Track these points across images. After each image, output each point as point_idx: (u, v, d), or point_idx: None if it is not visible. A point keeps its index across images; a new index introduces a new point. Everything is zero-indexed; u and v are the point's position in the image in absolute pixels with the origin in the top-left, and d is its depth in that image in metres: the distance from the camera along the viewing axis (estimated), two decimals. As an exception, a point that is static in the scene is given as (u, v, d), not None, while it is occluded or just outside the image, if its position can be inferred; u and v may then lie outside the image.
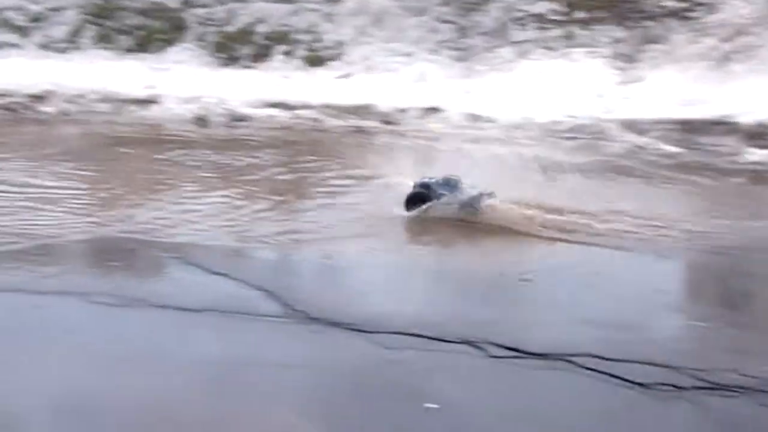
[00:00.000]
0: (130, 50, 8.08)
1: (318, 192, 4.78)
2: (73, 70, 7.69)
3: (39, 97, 7.15)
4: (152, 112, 6.95)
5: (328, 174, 5.04)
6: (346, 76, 7.57)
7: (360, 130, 6.48)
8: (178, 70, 7.73)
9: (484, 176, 4.31)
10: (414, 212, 4.19)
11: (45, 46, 8.22)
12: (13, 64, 7.81)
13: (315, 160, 5.46)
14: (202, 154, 5.63)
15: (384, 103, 6.84)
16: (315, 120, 6.73)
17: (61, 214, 4.26)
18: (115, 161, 5.45)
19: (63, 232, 4.00)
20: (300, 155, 5.64)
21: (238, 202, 4.50)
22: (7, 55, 8.04)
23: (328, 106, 6.88)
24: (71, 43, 8.23)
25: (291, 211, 4.47)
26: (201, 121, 6.75)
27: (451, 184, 4.24)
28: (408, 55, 7.58)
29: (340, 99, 6.97)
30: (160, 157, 5.53)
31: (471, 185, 4.23)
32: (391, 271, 3.69)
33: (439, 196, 4.20)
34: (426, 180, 4.25)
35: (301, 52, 7.87)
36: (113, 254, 3.79)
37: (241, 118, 6.79)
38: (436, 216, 4.18)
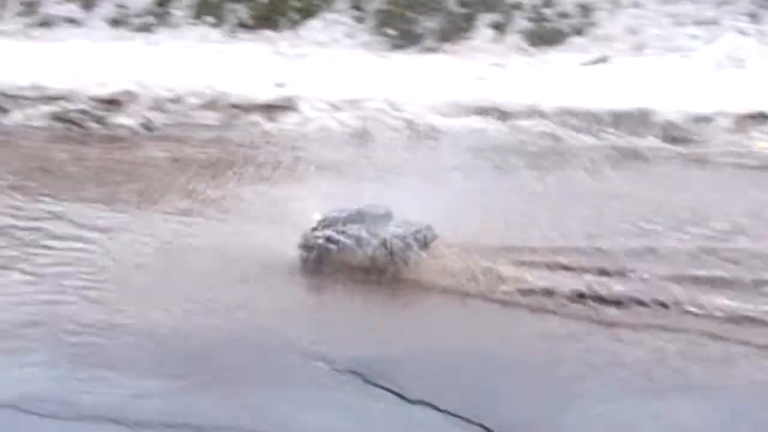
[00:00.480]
0: (247, 27, 8.47)
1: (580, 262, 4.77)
2: (162, 59, 8.14)
3: (111, 102, 7.60)
4: (285, 124, 7.23)
5: (570, 240, 4.99)
6: (600, 61, 7.54)
7: (628, 154, 6.41)
8: (322, 56, 8.01)
9: None
10: (308, 257, 4.76)
11: (119, 22, 8.77)
12: (72, 51, 8.36)
13: (552, 207, 5.42)
14: (370, 200, 5.74)
15: (667, 106, 6.80)
16: (549, 136, 6.75)
17: (157, 296, 4.50)
18: (234, 209, 5.64)
19: (164, 325, 4.22)
20: (528, 197, 5.62)
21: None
22: (65, 37, 8.62)
23: (570, 113, 6.89)
24: (158, 17, 8.74)
25: (529, 308, 4.49)
26: (362, 138, 6.94)
27: (367, 219, 4.73)
28: (707, 23, 7.47)
29: (591, 101, 6.98)
30: (300, 203, 5.67)
31: (399, 222, 4.72)
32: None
33: (341, 236, 4.70)
34: (335, 213, 4.82)
35: (522, 23, 7.94)
36: (246, 365, 3.94)
37: (426, 134, 6.90)
38: (343, 262, 4.64)
